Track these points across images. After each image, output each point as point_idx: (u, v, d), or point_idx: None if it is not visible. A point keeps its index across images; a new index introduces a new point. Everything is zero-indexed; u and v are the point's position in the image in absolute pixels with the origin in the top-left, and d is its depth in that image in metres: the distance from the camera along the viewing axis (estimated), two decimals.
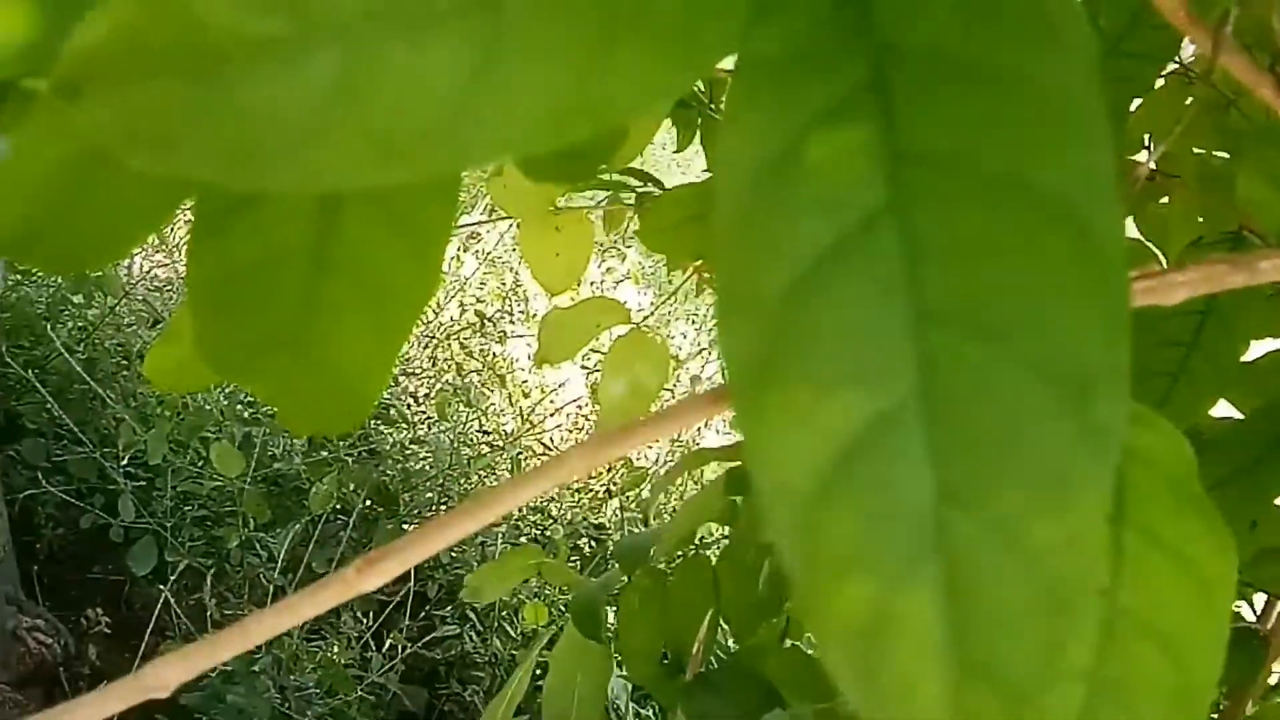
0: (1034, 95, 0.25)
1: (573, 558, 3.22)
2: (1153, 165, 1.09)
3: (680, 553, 1.23)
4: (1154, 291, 0.45)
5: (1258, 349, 0.98)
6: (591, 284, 4.08)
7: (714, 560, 1.16)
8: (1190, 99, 0.98)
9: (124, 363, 3.02)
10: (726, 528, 1.27)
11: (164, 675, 0.36)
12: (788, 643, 1.17)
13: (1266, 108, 0.48)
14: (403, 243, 0.37)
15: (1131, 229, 1.10)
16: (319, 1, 0.23)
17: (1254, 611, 0.97)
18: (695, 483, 3.17)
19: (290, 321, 0.39)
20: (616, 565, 1.22)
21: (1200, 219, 1.00)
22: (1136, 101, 0.98)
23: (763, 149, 0.25)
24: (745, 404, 0.24)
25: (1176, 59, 1.00)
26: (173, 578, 2.76)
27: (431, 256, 0.37)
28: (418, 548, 0.41)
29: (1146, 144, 1.02)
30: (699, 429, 3.85)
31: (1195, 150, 1.03)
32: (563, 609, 2.92)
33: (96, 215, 0.36)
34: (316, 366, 0.39)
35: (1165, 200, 1.07)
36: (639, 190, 1.25)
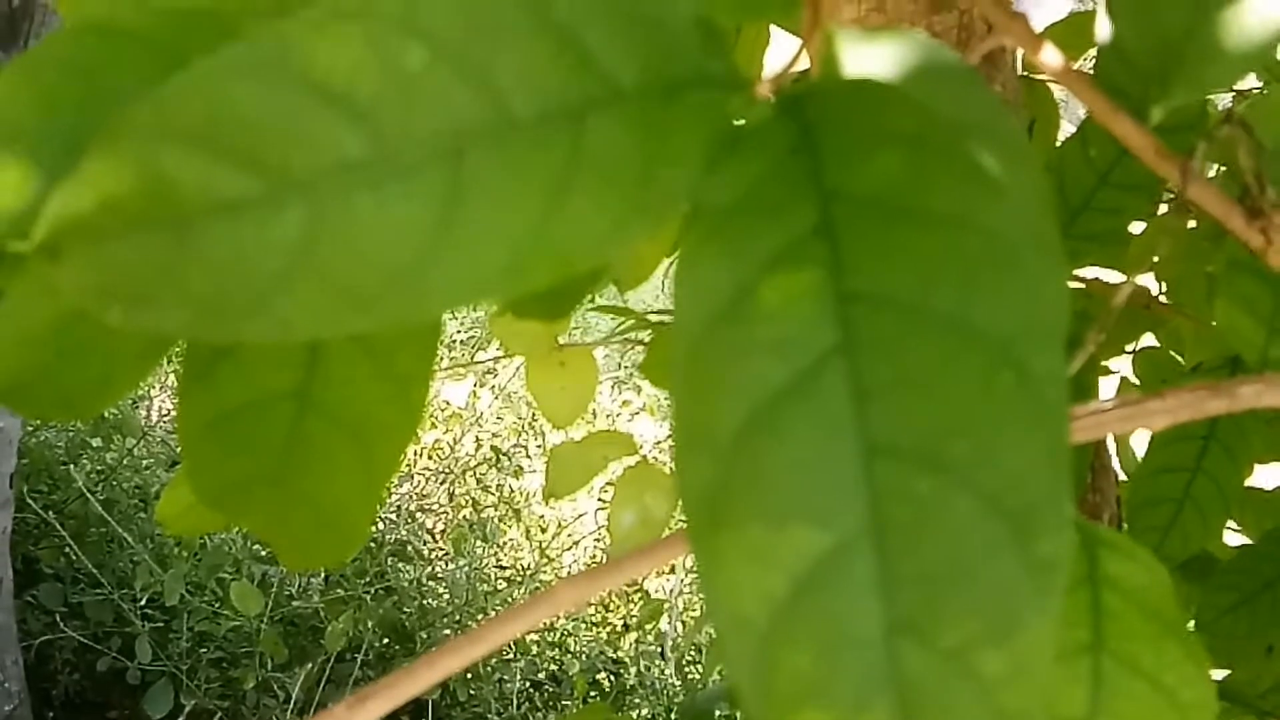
0: (979, 241, 0.26)
1: (591, 693, 3.17)
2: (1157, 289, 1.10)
3: None
4: (1134, 419, 0.45)
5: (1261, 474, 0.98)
6: (608, 416, 4.09)
7: None
8: (1193, 223, 0.99)
9: (142, 504, 3.02)
10: None
11: None
12: None
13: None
14: (384, 384, 0.39)
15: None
16: (287, 159, 0.24)
17: None
18: None
19: (277, 460, 0.40)
20: None
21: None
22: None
23: (717, 292, 0.26)
24: (701, 539, 0.25)
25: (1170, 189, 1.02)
26: None
27: (413, 397, 0.39)
28: (406, 685, 0.42)
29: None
30: None
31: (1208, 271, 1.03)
32: None
33: (86, 366, 0.37)
34: (304, 503, 0.40)
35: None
36: (642, 322, 1.25)
